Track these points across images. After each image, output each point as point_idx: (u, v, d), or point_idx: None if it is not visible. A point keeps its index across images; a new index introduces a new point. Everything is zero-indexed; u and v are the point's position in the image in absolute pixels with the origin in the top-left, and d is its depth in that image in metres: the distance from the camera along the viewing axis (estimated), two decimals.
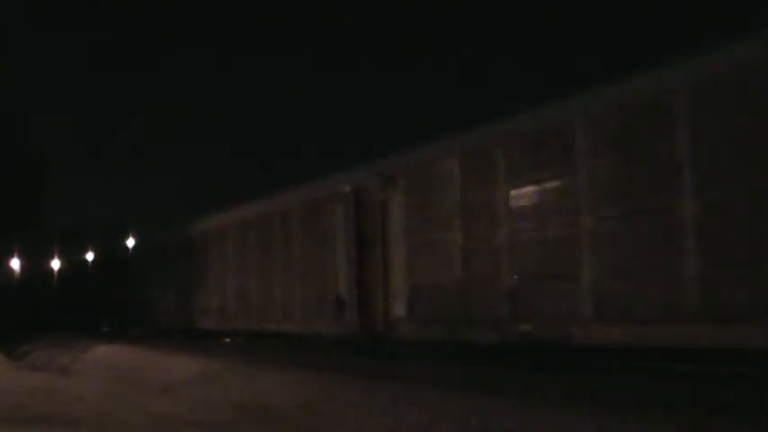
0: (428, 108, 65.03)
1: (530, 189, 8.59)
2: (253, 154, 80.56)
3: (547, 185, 8.29)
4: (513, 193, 8.81)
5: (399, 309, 10.68)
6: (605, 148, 7.63)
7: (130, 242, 24.20)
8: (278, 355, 11.72)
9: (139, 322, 22.30)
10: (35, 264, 30.41)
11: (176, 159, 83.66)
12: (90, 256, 28.65)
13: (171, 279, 19.95)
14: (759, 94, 6.39)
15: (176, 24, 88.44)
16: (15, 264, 29.70)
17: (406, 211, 10.62)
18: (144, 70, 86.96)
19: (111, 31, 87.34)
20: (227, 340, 17.67)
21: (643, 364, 7.41)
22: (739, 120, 6.54)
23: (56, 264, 31.08)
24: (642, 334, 7.17)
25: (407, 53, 79.64)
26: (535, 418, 5.34)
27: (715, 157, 6.68)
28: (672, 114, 7.02)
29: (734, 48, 6.71)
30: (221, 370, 10.15)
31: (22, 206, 31.35)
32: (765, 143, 6.30)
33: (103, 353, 15.77)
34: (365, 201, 11.55)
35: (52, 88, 76.25)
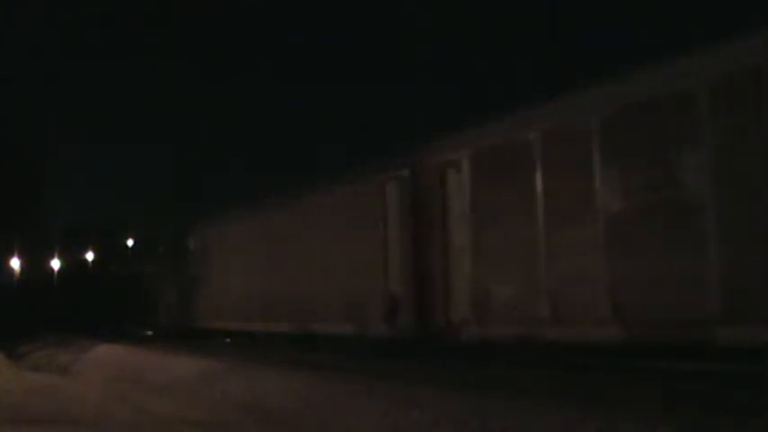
0: (428, 110, 64.89)
1: None
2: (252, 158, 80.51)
3: None
4: None
5: None
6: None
7: (130, 242, 24.24)
8: (279, 355, 11.72)
9: (141, 322, 22.29)
10: (35, 264, 30.42)
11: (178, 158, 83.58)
12: (90, 256, 28.67)
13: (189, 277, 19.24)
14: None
15: (177, 30, 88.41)
16: (15, 264, 29.71)
17: None
18: (145, 71, 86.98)
19: (112, 31, 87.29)
20: (228, 340, 17.57)
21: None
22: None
23: (56, 264, 31.09)
24: None
25: (407, 53, 79.57)
26: (535, 419, 5.33)
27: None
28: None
29: None
30: (221, 370, 10.14)
31: (22, 206, 31.36)
32: None
33: (103, 353, 15.77)
34: None
35: (52, 88, 76.22)
